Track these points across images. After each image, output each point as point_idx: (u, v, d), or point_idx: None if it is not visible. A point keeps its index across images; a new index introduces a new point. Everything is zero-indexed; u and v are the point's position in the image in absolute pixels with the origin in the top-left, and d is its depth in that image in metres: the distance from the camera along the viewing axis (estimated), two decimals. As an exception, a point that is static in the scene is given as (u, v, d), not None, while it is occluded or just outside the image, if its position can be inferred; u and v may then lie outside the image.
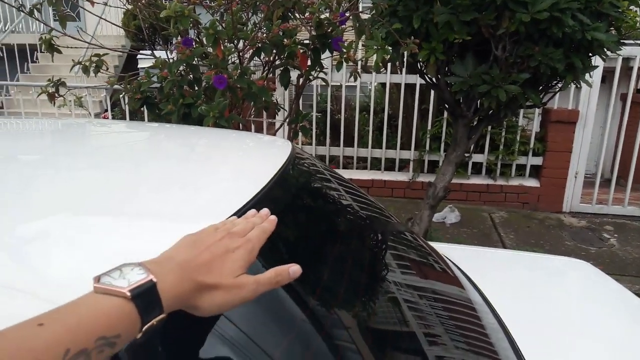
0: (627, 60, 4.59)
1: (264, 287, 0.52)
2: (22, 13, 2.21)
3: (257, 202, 0.85)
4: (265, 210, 0.66)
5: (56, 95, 2.37)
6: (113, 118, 5.17)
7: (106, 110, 5.41)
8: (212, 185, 0.93)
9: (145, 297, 0.41)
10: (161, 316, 0.43)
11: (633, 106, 4.53)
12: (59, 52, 2.30)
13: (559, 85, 2.34)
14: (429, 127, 4.69)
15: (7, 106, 7.13)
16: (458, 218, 4.39)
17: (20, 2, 2.15)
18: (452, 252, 1.72)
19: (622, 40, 2.27)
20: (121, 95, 4.45)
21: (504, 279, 1.72)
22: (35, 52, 7.95)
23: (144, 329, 0.41)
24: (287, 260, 0.89)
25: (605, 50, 2.16)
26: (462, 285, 1.45)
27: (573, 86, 4.30)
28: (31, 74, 8.02)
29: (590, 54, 2.20)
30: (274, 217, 0.64)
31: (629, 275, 3.45)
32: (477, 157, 4.70)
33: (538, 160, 4.71)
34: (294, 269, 0.55)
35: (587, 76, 2.26)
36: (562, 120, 4.51)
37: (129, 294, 0.40)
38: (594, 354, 1.28)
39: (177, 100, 1.89)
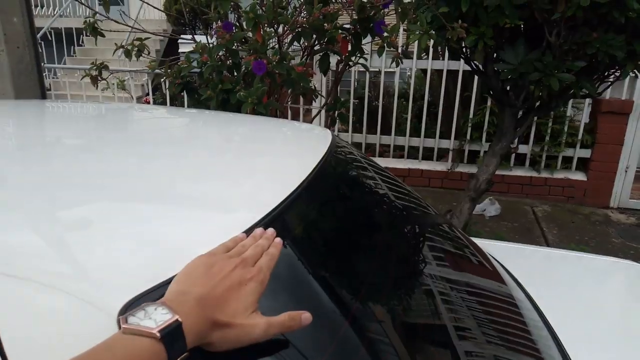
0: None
1: (275, 330, 0.52)
2: None
3: (299, 194, 0.83)
4: (271, 231, 0.64)
5: (99, 78, 2.41)
6: (154, 102, 5.27)
7: (147, 94, 5.51)
8: (255, 175, 0.92)
9: (172, 336, 0.43)
10: (185, 354, 0.44)
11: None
12: (102, 35, 2.33)
13: (617, 74, 2.18)
14: (471, 116, 4.53)
15: (54, 88, 7.38)
16: (498, 211, 4.25)
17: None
18: (493, 249, 1.65)
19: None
20: (162, 80, 4.51)
21: (547, 278, 1.64)
22: (82, 35, 8.18)
23: None
24: (328, 252, 0.87)
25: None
26: (505, 281, 1.39)
27: (630, 75, 4.06)
28: (77, 57, 8.27)
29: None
30: (279, 241, 0.63)
31: (683, 278, 3.25)
32: (521, 148, 4.50)
33: (586, 153, 4.48)
34: (305, 316, 0.54)
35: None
36: (614, 111, 4.25)
37: (158, 334, 0.42)
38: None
39: (216, 85, 1.87)
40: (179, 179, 0.82)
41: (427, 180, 4.76)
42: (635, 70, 2.10)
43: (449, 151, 4.72)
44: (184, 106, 4.18)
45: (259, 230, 0.64)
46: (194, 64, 1.98)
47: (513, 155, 4.51)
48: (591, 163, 4.47)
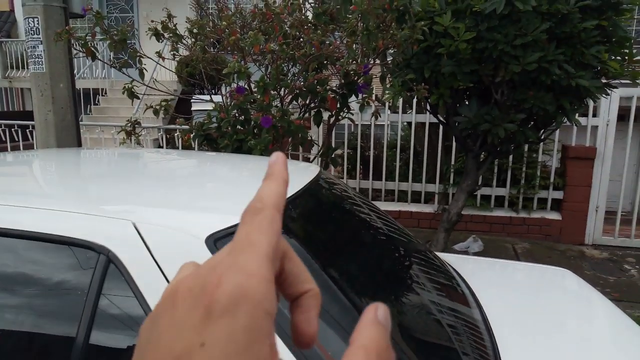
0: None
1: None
2: (87, 62, 2.79)
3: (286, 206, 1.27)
4: None
5: (133, 133, 2.93)
6: (167, 153, 5.79)
7: (160, 147, 6.07)
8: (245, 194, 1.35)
9: None
10: None
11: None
12: (138, 98, 2.87)
13: (554, 123, 2.70)
14: (453, 162, 5.04)
15: (73, 143, 7.94)
16: (481, 248, 4.65)
17: (114, 60, 2.73)
18: (457, 261, 2.06)
19: (615, 83, 2.62)
20: (176, 134, 5.06)
21: (494, 282, 2.02)
22: (97, 95, 8.90)
23: None
24: (314, 263, 1.28)
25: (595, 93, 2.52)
26: (462, 292, 1.75)
27: (589, 124, 4.61)
28: (93, 115, 8.94)
29: (582, 98, 2.56)
30: None
31: (643, 302, 3.61)
32: (500, 191, 4.99)
33: (559, 194, 4.93)
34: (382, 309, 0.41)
35: (583, 114, 2.60)
36: (580, 157, 4.76)
37: None
38: (568, 353, 1.50)
39: (232, 136, 2.38)
40: (214, 185, 1.28)
41: (417, 221, 5.20)
42: (571, 119, 2.60)
43: (435, 194, 5.19)
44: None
45: None
46: (214, 119, 2.50)
47: (493, 198, 4.97)
48: (564, 204, 4.92)
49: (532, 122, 2.69)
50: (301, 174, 1.55)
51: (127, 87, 2.85)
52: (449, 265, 1.94)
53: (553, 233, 4.98)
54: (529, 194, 4.97)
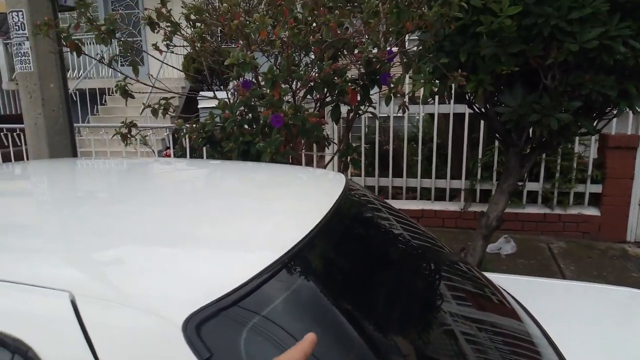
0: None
1: None
2: (93, 61, 2.48)
3: (315, 234, 0.93)
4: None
5: (129, 135, 2.61)
6: (174, 155, 5.51)
7: (168, 148, 5.78)
8: (274, 217, 1.02)
9: None
10: None
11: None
12: (132, 97, 2.55)
13: (614, 112, 2.30)
14: (480, 156, 4.65)
15: (80, 146, 7.73)
16: (514, 249, 4.27)
17: (101, 55, 2.41)
18: (507, 283, 1.71)
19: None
20: (183, 134, 4.75)
21: (563, 311, 1.68)
22: (104, 95, 8.64)
23: None
24: (345, 292, 0.95)
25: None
26: (520, 317, 1.44)
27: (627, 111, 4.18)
28: (100, 116, 8.70)
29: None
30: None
31: None
32: (533, 186, 4.58)
33: (597, 188, 4.52)
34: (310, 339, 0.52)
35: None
36: (622, 146, 4.34)
37: None
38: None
39: (238, 138, 2.04)
40: (208, 221, 0.94)
41: (441, 220, 4.82)
42: (629, 108, 2.21)
43: (460, 191, 4.81)
44: (203, 158, 4.38)
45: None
46: (217, 119, 2.16)
47: (525, 193, 4.57)
48: (603, 198, 4.51)
49: (582, 111, 2.29)
50: (326, 191, 1.22)
51: (120, 84, 2.53)
52: (500, 287, 1.59)
53: (592, 230, 4.57)
54: (564, 188, 4.56)
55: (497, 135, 2.65)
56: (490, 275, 1.71)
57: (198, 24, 2.38)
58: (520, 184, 2.82)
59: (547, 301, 1.72)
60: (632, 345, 1.46)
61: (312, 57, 2.52)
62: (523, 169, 2.53)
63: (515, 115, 2.18)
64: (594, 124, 2.34)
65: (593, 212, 4.57)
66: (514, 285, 1.69)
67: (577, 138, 4.35)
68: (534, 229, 4.65)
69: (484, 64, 2.16)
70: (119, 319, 0.56)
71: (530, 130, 2.41)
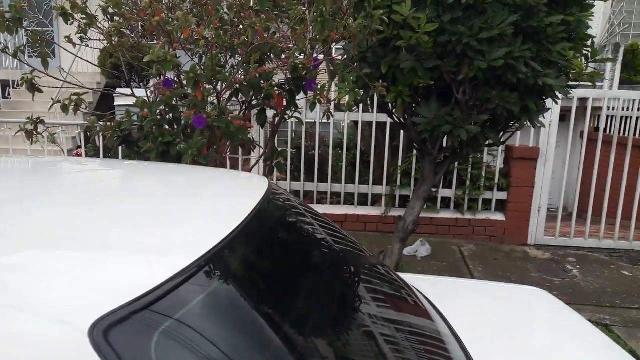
0: (584, 100, 4.90)
1: None
2: None
3: (233, 238, 0.92)
4: None
5: (34, 133, 2.41)
6: (86, 154, 5.16)
7: (79, 147, 5.40)
8: (192, 220, 0.99)
9: None
10: None
11: (590, 143, 4.82)
12: (40, 91, 2.35)
13: (517, 125, 2.53)
14: (400, 164, 4.87)
15: (-23, 142, 6.98)
16: (429, 251, 4.51)
17: (4, 44, 2.21)
18: (421, 283, 1.81)
19: (573, 84, 2.49)
20: (97, 133, 4.47)
21: (470, 308, 1.80)
22: (8, 88, 7.89)
23: None
24: (262, 295, 0.95)
25: (557, 93, 2.37)
26: (431, 316, 1.52)
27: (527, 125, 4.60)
28: (2, 110, 7.92)
29: (543, 97, 2.40)
30: None
31: (590, 305, 3.60)
32: (446, 192, 4.88)
33: (503, 195, 4.92)
34: None
35: (544, 116, 2.45)
36: (524, 157, 4.76)
37: None
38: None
39: (157, 138, 1.96)
40: (121, 224, 0.90)
41: (364, 224, 4.97)
42: (530, 122, 2.44)
43: (382, 196, 4.99)
44: (118, 158, 4.15)
45: None
46: (134, 118, 2.07)
47: (439, 199, 4.86)
48: (508, 204, 4.91)
49: (489, 124, 2.49)
50: (247, 194, 1.21)
51: (26, 77, 2.33)
52: (414, 288, 1.68)
53: (497, 234, 4.96)
54: (474, 195, 4.91)
55: (415, 144, 2.80)
56: (405, 276, 1.79)
57: (116, 18, 2.26)
58: (434, 190, 2.99)
59: (456, 299, 1.84)
60: (532, 338, 1.61)
61: (239, 59, 2.50)
62: (437, 176, 2.69)
63: (430, 126, 2.32)
64: (500, 136, 2.55)
65: (499, 217, 4.95)
66: (427, 285, 1.79)
67: (485, 149, 4.71)
68: (447, 232, 4.95)
69: (403, 77, 2.28)
70: (19, 328, 0.52)
71: (444, 140, 2.57)
